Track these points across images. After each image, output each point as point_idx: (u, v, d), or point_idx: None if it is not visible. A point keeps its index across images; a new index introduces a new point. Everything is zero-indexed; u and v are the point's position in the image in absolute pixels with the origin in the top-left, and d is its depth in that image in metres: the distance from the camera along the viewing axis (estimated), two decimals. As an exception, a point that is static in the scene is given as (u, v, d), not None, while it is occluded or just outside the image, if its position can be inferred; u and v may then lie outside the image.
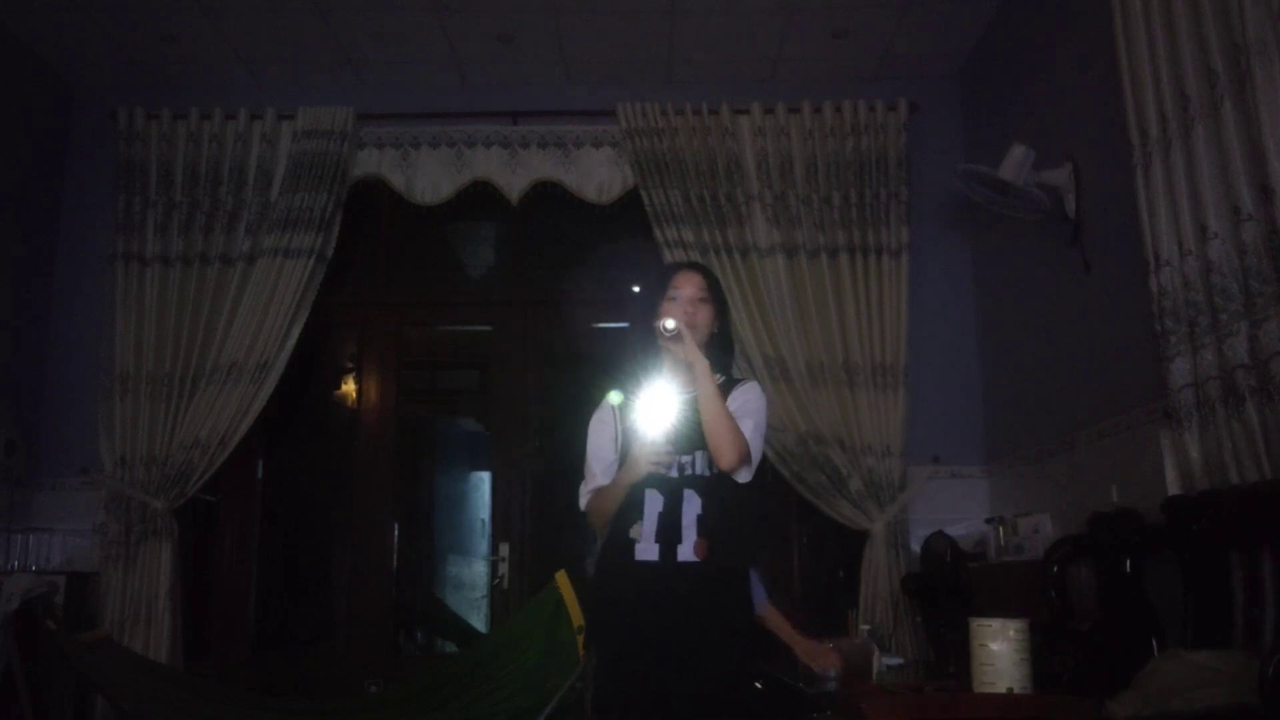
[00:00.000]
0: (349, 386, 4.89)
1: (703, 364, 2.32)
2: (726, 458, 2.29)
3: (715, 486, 2.35)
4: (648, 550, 2.32)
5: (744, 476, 2.35)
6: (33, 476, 4.21)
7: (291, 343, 4.21)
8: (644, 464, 2.28)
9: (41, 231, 4.40)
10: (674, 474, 2.34)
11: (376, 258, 4.72)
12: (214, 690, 3.66)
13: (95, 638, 3.58)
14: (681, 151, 4.31)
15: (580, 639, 3.25)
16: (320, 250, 4.27)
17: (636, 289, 2.66)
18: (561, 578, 3.39)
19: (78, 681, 3.70)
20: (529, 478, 4.47)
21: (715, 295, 2.49)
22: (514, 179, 4.42)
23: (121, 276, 4.22)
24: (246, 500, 4.49)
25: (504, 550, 4.33)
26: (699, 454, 2.35)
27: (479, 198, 4.46)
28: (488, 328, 4.81)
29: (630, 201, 4.37)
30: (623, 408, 2.45)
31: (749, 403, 2.41)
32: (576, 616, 3.29)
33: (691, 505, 2.34)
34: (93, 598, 3.98)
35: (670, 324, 2.31)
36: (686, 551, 2.31)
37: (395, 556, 4.47)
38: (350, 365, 4.88)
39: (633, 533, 2.34)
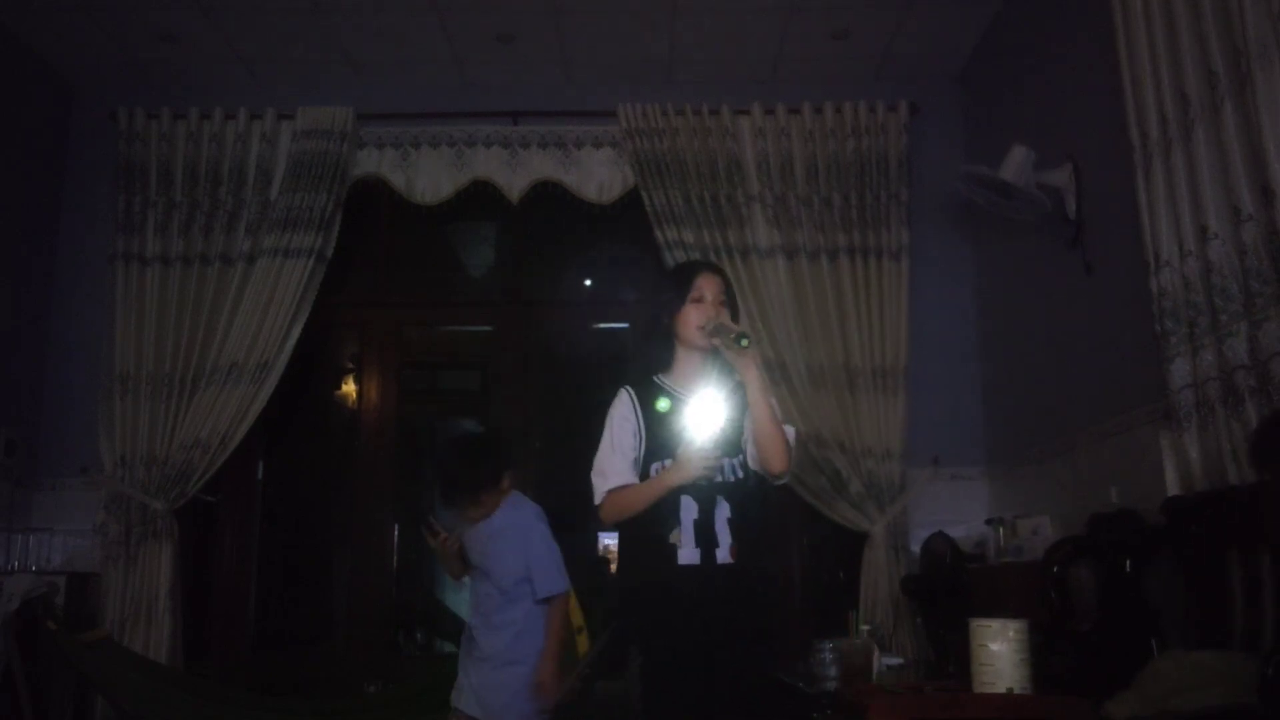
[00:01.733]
0: (349, 386, 4.89)
1: (762, 376, 2.40)
2: (780, 463, 2.39)
3: (742, 490, 2.43)
4: (690, 554, 2.36)
5: (784, 479, 2.46)
6: (33, 476, 4.21)
7: (291, 343, 4.21)
8: (695, 469, 2.33)
9: (41, 231, 4.40)
10: (716, 478, 2.40)
11: (376, 258, 4.72)
12: (214, 690, 3.66)
13: (95, 638, 3.58)
14: (682, 152, 4.31)
15: (580, 639, 3.25)
16: (320, 250, 4.27)
17: (652, 291, 2.71)
18: (561, 578, 3.38)
19: (78, 681, 3.70)
20: (529, 478, 4.47)
21: (731, 298, 2.54)
22: (514, 179, 4.42)
23: (121, 276, 4.22)
24: (246, 500, 4.48)
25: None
26: (727, 460, 2.41)
27: (479, 198, 4.46)
28: (488, 328, 4.81)
29: (631, 202, 4.37)
30: (656, 412, 2.45)
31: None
32: (576, 617, 3.29)
33: (722, 509, 2.39)
34: (93, 598, 3.98)
35: (745, 340, 2.34)
36: (724, 554, 2.37)
37: (395, 556, 4.47)
38: (350, 365, 4.88)
39: (673, 538, 2.36)
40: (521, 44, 4.30)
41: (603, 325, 4.68)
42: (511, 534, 2.98)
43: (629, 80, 4.50)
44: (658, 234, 4.26)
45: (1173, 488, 2.56)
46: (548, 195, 4.45)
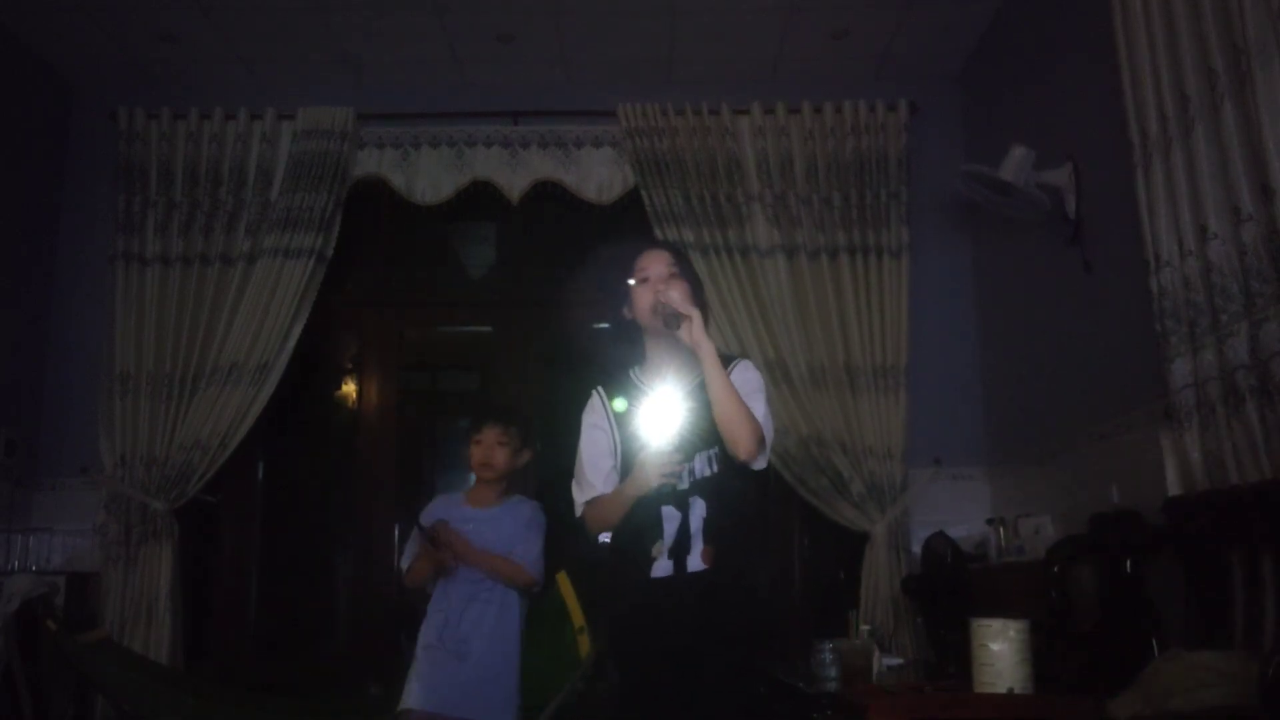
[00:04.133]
0: (349, 387, 4.88)
1: (710, 348, 2.20)
2: (746, 446, 2.18)
3: (718, 486, 2.26)
4: (662, 566, 2.24)
5: (760, 463, 2.25)
6: (33, 476, 4.21)
7: (291, 343, 4.21)
8: (655, 477, 2.18)
9: (41, 231, 4.40)
10: (683, 484, 2.24)
11: (377, 258, 4.72)
12: (214, 690, 3.66)
13: (95, 638, 3.58)
14: (682, 151, 4.31)
15: (581, 639, 3.25)
16: (320, 250, 4.27)
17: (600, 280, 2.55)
18: (562, 579, 3.38)
19: (78, 681, 3.69)
20: (529, 478, 4.46)
21: (686, 269, 2.37)
22: (514, 179, 4.42)
23: (121, 276, 4.22)
24: (246, 500, 4.49)
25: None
26: (699, 455, 2.26)
27: (479, 198, 4.46)
28: (488, 328, 4.81)
29: (630, 201, 4.37)
30: (622, 414, 2.34)
31: (749, 382, 2.31)
32: (577, 617, 3.28)
33: (697, 510, 2.25)
34: (93, 598, 3.98)
35: (678, 320, 2.18)
36: (695, 561, 2.23)
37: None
38: (350, 365, 4.88)
39: (654, 551, 2.23)
40: (521, 44, 4.30)
41: (603, 325, 4.67)
42: (521, 519, 3.06)
43: (629, 80, 4.50)
44: (658, 233, 4.26)
45: (1174, 488, 2.56)
46: (548, 195, 4.45)
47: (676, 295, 2.25)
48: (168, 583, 3.99)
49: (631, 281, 2.35)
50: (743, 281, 4.20)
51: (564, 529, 3.12)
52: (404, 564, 3.18)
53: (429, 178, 4.43)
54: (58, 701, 3.67)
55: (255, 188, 4.34)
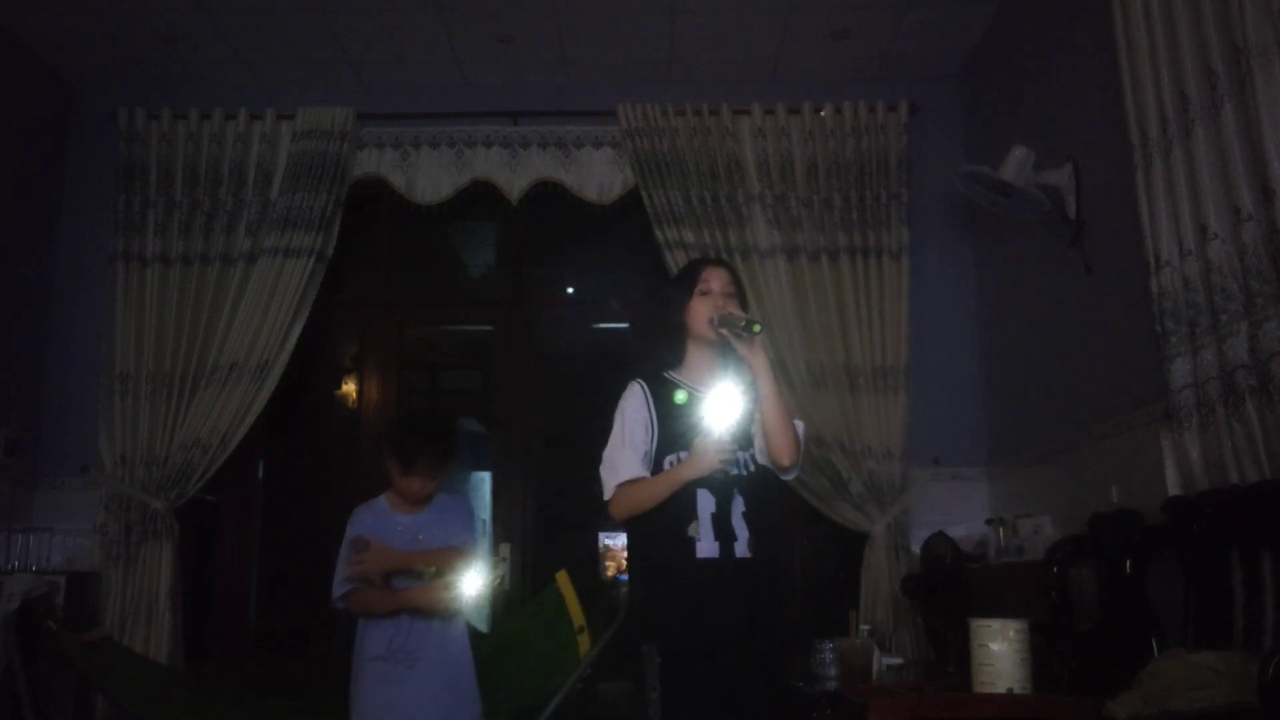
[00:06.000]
0: (349, 386, 4.89)
1: (766, 361, 2.38)
2: (790, 455, 2.37)
3: (756, 484, 2.40)
4: (708, 548, 2.33)
5: (792, 474, 2.43)
6: (33, 476, 4.21)
7: (292, 343, 4.21)
8: (712, 460, 2.30)
9: (41, 231, 4.40)
10: (724, 473, 2.36)
11: (377, 257, 4.72)
12: (214, 690, 3.66)
13: (95, 638, 3.57)
14: (682, 152, 4.31)
15: (581, 639, 3.25)
16: (320, 250, 4.27)
17: (659, 288, 2.71)
18: (562, 578, 3.38)
19: (78, 681, 3.69)
20: (530, 478, 4.47)
21: (740, 292, 2.54)
22: (514, 179, 4.42)
23: (122, 276, 4.22)
24: (246, 500, 4.49)
25: (505, 551, 4.33)
26: (742, 453, 2.39)
27: (479, 197, 4.46)
28: (488, 327, 4.81)
29: (631, 202, 4.37)
30: (667, 406, 2.42)
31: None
32: (577, 616, 3.28)
33: (737, 504, 2.36)
34: (93, 598, 3.98)
35: (757, 327, 2.35)
36: (742, 548, 2.34)
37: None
38: (350, 365, 4.88)
39: (690, 531, 2.32)
40: (521, 44, 4.30)
41: (603, 325, 4.68)
42: (458, 513, 2.99)
43: (629, 80, 4.50)
44: (658, 234, 4.26)
45: (1173, 488, 2.57)
46: (548, 195, 4.45)
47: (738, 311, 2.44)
48: (168, 582, 3.99)
49: (696, 290, 2.50)
50: (743, 282, 4.19)
51: (563, 526, 3.12)
52: (343, 589, 3.01)
53: (429, 178, 4.43)
54: (58, 701, 3.67)
55: (255, 188, 4.34)
